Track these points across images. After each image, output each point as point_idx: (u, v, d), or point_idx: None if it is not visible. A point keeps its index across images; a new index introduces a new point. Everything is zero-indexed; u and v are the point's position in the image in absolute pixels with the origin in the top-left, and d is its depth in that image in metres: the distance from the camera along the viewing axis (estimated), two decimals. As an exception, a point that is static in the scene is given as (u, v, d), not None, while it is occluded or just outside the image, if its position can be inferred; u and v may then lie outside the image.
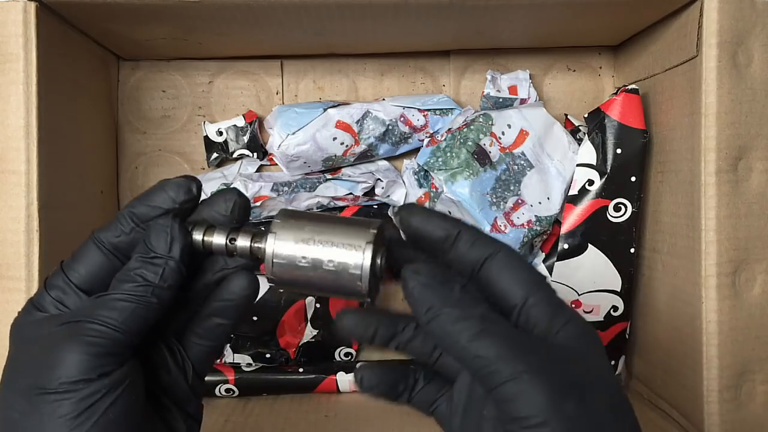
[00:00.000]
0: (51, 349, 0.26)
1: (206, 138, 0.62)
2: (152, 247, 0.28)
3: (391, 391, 0.31)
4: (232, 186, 0.58)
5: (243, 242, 0.29)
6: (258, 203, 0.58)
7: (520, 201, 0.56)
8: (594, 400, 0.25)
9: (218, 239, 0.29)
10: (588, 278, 0.56)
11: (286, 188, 0.59)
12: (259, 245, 0.29)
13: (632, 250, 0.56)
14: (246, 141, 0.61)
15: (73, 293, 0.29)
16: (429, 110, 0.60)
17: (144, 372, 0.29)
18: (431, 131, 0.60)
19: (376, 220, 0.30)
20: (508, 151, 0.57)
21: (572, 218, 0.56)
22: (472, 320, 0.25)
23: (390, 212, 0.58)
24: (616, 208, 0.55)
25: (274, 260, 0.29)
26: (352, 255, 0.28)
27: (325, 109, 0.58)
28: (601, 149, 0.55)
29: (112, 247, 0.29)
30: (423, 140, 0.60)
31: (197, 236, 0.29)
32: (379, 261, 0.29)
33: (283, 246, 0.29)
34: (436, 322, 0.26)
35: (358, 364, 0.30)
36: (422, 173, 0.60)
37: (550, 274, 0.57)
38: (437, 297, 0.26)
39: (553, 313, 0.27)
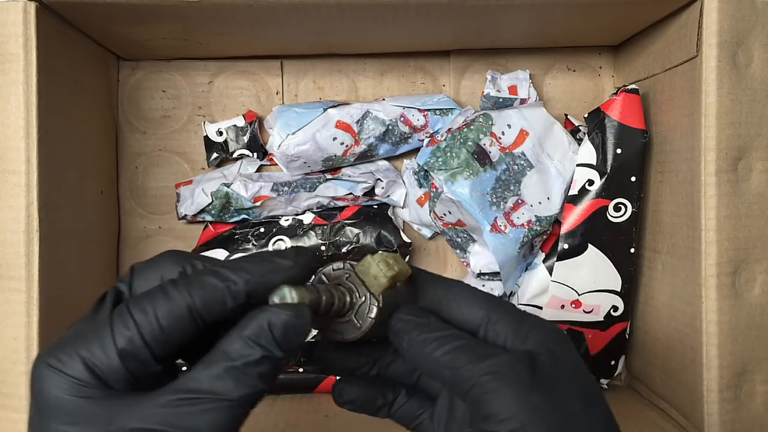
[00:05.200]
0: None
1: (206, 138, 0.62)
2: (280, 345, 0.25)
3: (369, 406, 0.32)
4: (231, 186, 0.58)
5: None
6: (258, 203, 0.58)
7: (520, 201, 0.56)
8: (561, 391, 0.26)
9: (340, 298, 0.28)
10: (588, 278, 0.56)
11: (286, 188, 0.59)
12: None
13: (632, 250, 0.56)
14: (246, 141, 0.61)
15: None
16: (429, 110, 0.60)
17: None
18: (431, 131, 0.60)
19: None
20: (508, 151, 0.57)
21: (572, 218, 0.56)
22: (442, 340, 0.27)
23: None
24: (616, 208, 0.55)
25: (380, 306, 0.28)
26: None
27: (325, 109, 0.58)
28: (601, 149, 0.55)
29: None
30: (423, 140, 0.60)
31: (328, 298, 0.28)
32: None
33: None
34: (415, 347, 0.28)
35: (336, 378, 0.31)
36: (422, 173, 0.60)
37: (550, 274, 0.57)
38: (414, 328, 0.28)
39: (516, 323, 0.28)
